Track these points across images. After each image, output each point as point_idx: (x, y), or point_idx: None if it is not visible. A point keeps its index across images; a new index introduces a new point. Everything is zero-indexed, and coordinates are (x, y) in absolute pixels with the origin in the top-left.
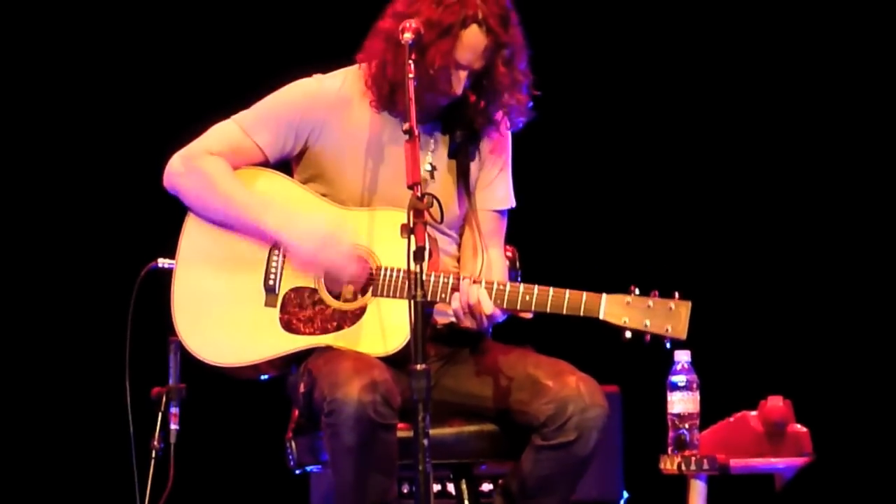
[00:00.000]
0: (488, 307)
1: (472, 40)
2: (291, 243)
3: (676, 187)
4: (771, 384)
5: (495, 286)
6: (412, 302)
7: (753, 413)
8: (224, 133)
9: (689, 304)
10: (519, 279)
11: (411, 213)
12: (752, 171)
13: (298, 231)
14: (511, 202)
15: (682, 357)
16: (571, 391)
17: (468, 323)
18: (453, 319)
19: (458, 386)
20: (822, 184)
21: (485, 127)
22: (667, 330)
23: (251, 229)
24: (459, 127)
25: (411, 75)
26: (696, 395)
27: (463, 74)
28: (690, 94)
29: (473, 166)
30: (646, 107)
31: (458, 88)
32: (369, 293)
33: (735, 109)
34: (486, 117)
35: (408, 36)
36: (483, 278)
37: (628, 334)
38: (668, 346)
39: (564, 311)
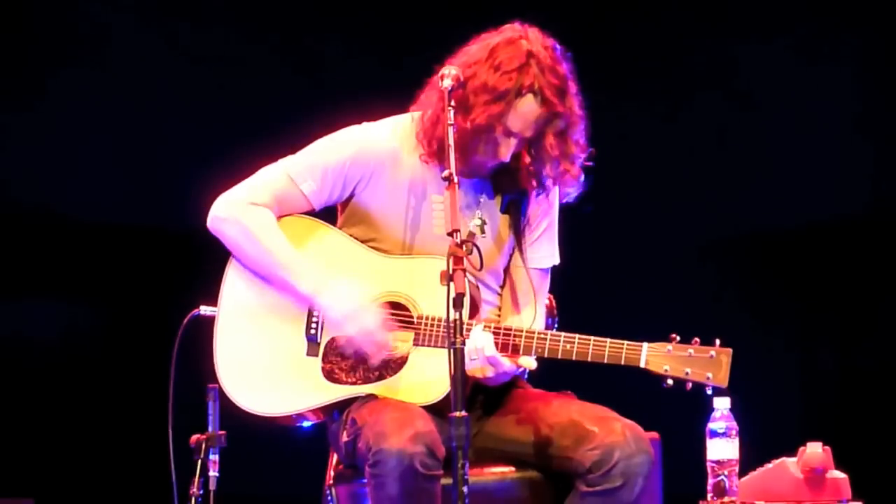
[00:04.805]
0: (490, 350)
1: (526, 109)
2: (323, 309)
3: (715, 233)
4: (810, 430)
5: (536, 335)
6: (451, 349)
7: (793, 459)
8: (271, 179)
9: (730, 351)
10: (556, 327)
11: (451, 260)
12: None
13: (329, 299)
14: (555, 260)
15: (722, 404)
16: (618, 437)
17: (469, 369)
18: None
19: (500, 432)
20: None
21: (534, 189)
22: (708, 377)
23: (287, 288)
24: (511, 184)
25: (450, 122)
26: (736, 442)
27: (513, 141)
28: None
29: (522, 223)
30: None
31: (507, 155)
32: (411, 342)
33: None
34: (536, 180)
35: (447, 83)
36: (524, 327)
37: (669, 382)
38: (709, 392)
39: (605, 361)
